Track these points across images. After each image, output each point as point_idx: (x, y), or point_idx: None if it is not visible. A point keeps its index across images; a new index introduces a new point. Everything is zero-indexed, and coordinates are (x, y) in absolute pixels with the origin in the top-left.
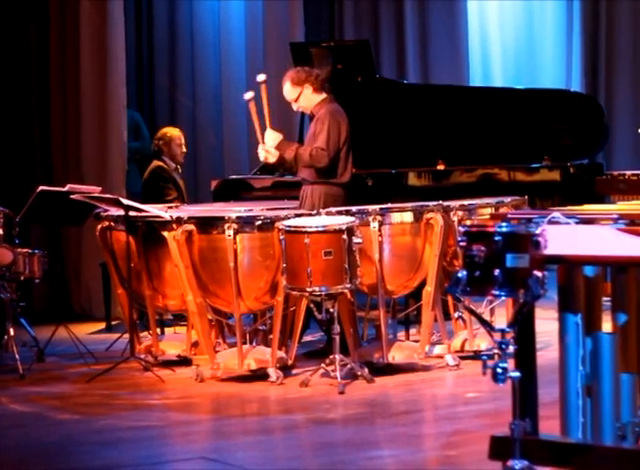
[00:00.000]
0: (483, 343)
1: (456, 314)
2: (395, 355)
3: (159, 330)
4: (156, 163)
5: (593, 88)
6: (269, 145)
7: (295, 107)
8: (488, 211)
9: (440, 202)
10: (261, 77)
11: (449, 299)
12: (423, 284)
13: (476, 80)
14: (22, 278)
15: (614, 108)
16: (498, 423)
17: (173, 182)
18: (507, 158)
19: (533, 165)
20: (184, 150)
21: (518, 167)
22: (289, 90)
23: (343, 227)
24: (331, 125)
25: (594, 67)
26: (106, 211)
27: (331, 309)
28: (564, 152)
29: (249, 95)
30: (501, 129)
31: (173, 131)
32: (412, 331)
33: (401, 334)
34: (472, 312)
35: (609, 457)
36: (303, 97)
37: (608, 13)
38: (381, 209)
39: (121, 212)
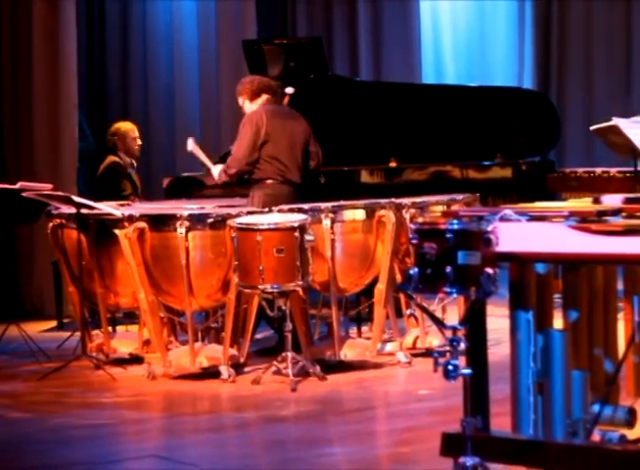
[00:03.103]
0: (435, 340)
1: (408, 312)
2: (347, 353)
3: (110, 328)
4: (111, 158)
5: (545, 86)
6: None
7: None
8: (440, 208)
9: (393, 199)
10: (190, 145)
11: (401, 296)
12: (375, 281)
13: (428, 78)
14: None
15: (565, 106)
16: (450, 420)
17: (128, 177)
18: (459, 155)
19: (485, 163)
20: (139, 142)
21: (470, 165)
22: (239, 100)
23: (296, 225)
24: (245, 131)
25: (546, 65)
26: (57, 208)
27: (283, 307)
28: (516, 149)
29: (190, 146)
30: (453, 127)
31: (126, 125)
32: (364, 328)
33: (353, 331)
34: (423, 310)
35: (560, 454)
36: (245, 107)
37: (559, 11)
38: (333, 206)
39: (73, 210)
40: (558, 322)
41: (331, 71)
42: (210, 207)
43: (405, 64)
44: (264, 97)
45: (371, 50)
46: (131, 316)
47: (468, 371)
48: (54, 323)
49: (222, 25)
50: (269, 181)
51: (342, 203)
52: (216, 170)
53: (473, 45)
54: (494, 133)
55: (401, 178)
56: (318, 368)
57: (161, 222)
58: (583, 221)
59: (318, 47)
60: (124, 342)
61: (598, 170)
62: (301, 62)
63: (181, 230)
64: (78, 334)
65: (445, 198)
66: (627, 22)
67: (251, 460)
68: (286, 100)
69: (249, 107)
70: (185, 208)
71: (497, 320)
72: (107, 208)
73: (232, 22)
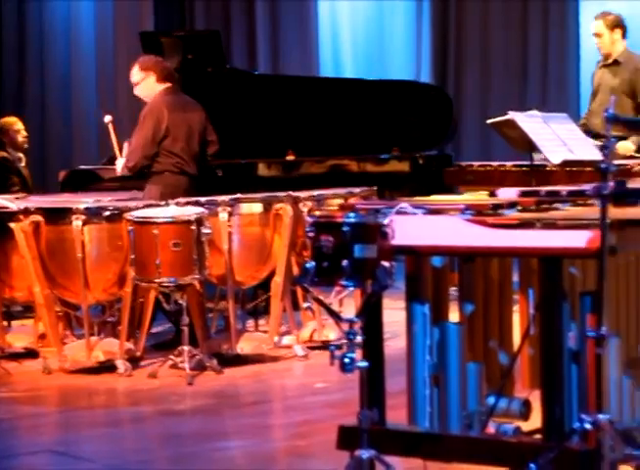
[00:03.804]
0: (332, 333)
1: (305, 305)
2: (244, 346)
3: (5, 322)
4: None
5: (442, 82)
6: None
7: (136, 92)
8: (338, 201)
9: (290, 192)
10: (107, 118)
11: (298, 289)
12: (272, 275)
13: (326, 72)
14: None
15: (463, 100)
16: (346, 413)
17: (17, 172)
18: (357, 148)
19: (383, 156)
20: (24, 134)
21: (367, 158)
22: (135, 73)
23: (192, 218)
24: (146, 124)
25: (443, 61)
26: None
27: (179, 301)
28: (413, 143)
29: (107, 118)
30: (351, 120)
31: (7, 120)
32: (261, 322)
33: (250, 325)
34: (320, 303)
35: (455, 446)
36: (145, 83)
37: (457, 10)
38: (230, 199)
39: None
40: (454, 315)
41: (229, 64)
42: (107, 200)
43: (303, 57)
44: (168, 84)
45: (269, 43)
46: (27, 310)
47: (364, 364)
48: None
49: (120, 17)
50: (166, 173)
51: (239, 196)
52: (120, 163)
53: (371, 42)
54: (391, 127)
55: (299, 171)
56: (215, 362)
57: (57, 215)
58: (479, 215)
59: (216, 40)
60: (19, 336)
61: (494, 164)
62: (199, 54)
63: (77, 223)
64: None
65: (343, 191)
66: (523, 19)
67: (148, 454)
68: (110, 129)
69: (150, 86)
70: (81, 201)
71: (394, 313)
72: (2, 201)
73: (129, 14)
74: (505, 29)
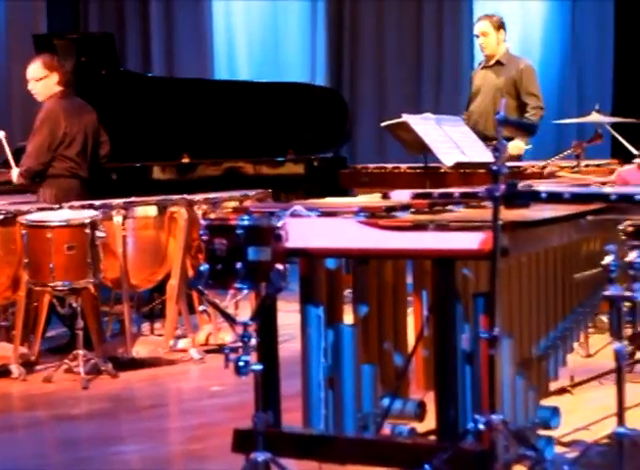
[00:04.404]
0: (228, 336)
1: (201, 308)
2: (140, 350)
3: None
4: None
5: (337, 85)
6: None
7: (31, 86)
8: (233, 204)
9: (185, 195)
10: (1, 134)
11: (194, 292)
12: (167, 278)
13: (221, 73)
14: None
15: (358, 103)
16: (242, 416)
17: None
18: (252, 151)
19: (278, 159)
20: None
21: (262, 161)
22: (36, 69)
23: (86, 221)
24: (43, 131)
25: (338, 63)
26: None
27: (74, 304)
28: (308, 145)
29: (1, 134)
30: (246, 123)
31: None
32: (157, 325)
33: (146, 328)
34: (214, 306)
35: (350, 447)
36: (45, 82)
37: (351, 10)
38: (124, 203)
39: None
40: (348, 317)
41: (123, 67)
42: (0, 203)
43: (198, 60)
44: (64, 88)
45: (163, 46)
46: None
47: (258, 367)
48: None
49: (12, 19)
50: (61, 177)
51: (133, 199)
52: (14, 173)
53: (266, 43)
54: (287, 129)
55: (194, 174)
56: (110, 366)
57: None
58: (372, 217)
59: (110, 42)
60: None
61: (389, 166)
62: (93, 57)
63: None
64: None
65: (238, 194)
66: (418, 21)
67: (44, 460)
68: (4, 144)
69: (50, 87)
70: None
71: (289, 316)
72: None
73: (22, 16)
74: (399, 29)
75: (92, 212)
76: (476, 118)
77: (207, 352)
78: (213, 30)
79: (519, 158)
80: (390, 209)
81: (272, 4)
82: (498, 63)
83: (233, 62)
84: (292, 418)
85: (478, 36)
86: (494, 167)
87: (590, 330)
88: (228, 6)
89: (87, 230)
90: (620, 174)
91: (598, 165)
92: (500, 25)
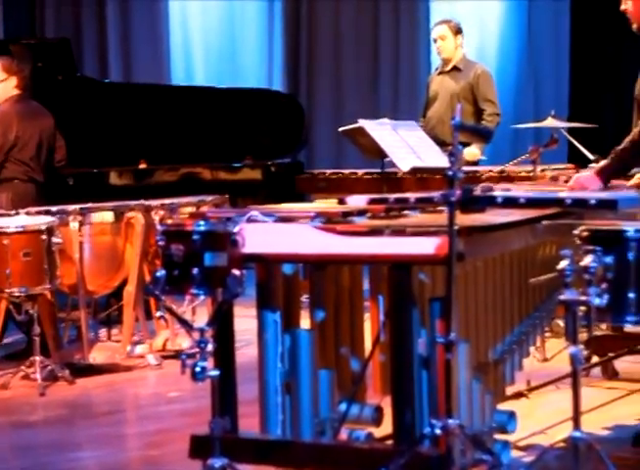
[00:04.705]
0: (185, 342)
1: (158, 314)
2: (97, 356)
3: None
4: None
5: (295, 88)
6: None
7: None
8: (190, 209)
9: (142, 201)
10: None
11: (152, 298)
12: (124, 284)
13: (178, 80)
14: None
15: (315, 107)
16: (200, 422)
17: None
18: (210, 157)
19: (235, 164)
20: None
21: (220, 166)
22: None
23: (43, 227)
24: None
25: (295, 66)
26: None
27: (31, 311)
28: (265, 151)
29: None
30: (204, 128)
31: None
32: (114, 331)
33: (103, 334)
34: (170, 311)
35: (308, 453)
36: (4, 85)
37: (308, 13)
38: (81, 208)
39: None
40: (305, 322)
41: (79, 73)
42: None
43: (155, 65)
44: (23, 93)
45: (120, 51)
46: None
47: (215, 372)
48: None
49: None
50: (15, 181)
51: (90, 205)
52: None
53: (223, 46)
54: (244, 135)
55: (152, 180)
56: (67, 372)
57: None
58: (329, 222)
59: (66, 48)
60: None
61: (346, 172)
62: (49, 62)
63: None
64: None
65: (195, 199)
66: (374, 22)
67: (0, 466)
68: None
69: (7, 90)
70: None
71: (246, 321)
72: None
73: None
74: (356, 31)
75: (48, 218)
76: (433, 124)
77: (165, 357)
78: (170, 33)
79: (476, 163)
80: (347, 214)
81: (229, 4)
82: (455, 68)
83: (190, 65)
84: (249, 424)
85: (435, 41)
86: (450, 172)
87: (547, 334)
88: (184, 7)
89: (44, 236)
90: (578, 180)
91: (558, 169)
92: (458, 30)
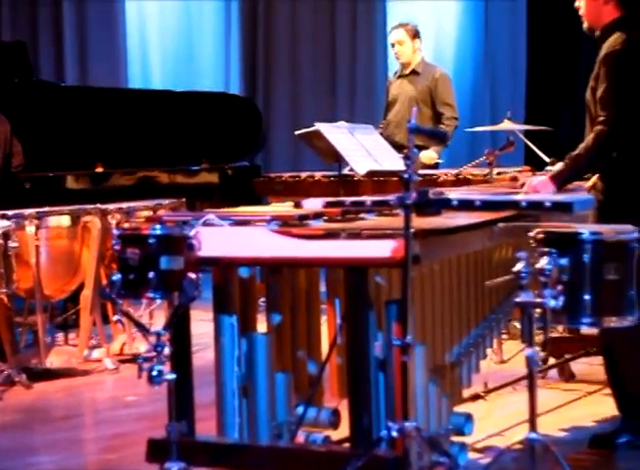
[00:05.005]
0: (143, 346)
1: (115, 318)
2: (54, 360)
3: None
4: None
5: (252, 90)
6: None
7: None
8: (147, 213)
9: (98, 205)
10: None
11: (109, 302)
12: (81, 288)
13: (135, 83)
14: None
15: (272, 110)
16: (157, 425)
17: None
18: (167, 160)
19: (192, 168)
20: None
21: (177, 170)
22: None
23: None
24: None
25: (252, 68)
26: None
27: None
28: (222, 154)
29: None
30: (160, 132)
31: None
32: (71, 335)
33: (60, 338)
34: (126, 315)
35: (265, 456)
36: None
37: (265, 11)
38: (37, 212)
39: None
40: (262, 326)
41: (35, 76)
42: None
43: (111, 68)
44: None
45: (77, 55)
46: None
47: (172, 376)
48: None
49: None
50: None
51: (46, 209)
52: None
53: (180, 48)
54: (201, 138)
55: (108, 184)
56: (24, 376)
57: None
58: (285, 225)
59: (22, 51)
60: None
61: (303, 175)
62: (5, 66)
63: None
64: None
65: (152, 203)
66: (331, 22)
67: None
68: None
69: None
70: None
71: (203, 325)
72: None
73: None
74: (313, 32)
75: (5, 223)
76: (393, 128)
77: (122, 361)
78: (127, 35)
79: (433, 166)
80: (303, 217)
81: (185, 4)
82: (414, 72)
83: (147, 67)
84: (206, 427)
85: (393, 45)
86: (406, 175)
87: (503, 336)
88: (141, 8)
89: (0, 241)
90: (532, 184)
91: (515, 171)
92: (415, 34)
